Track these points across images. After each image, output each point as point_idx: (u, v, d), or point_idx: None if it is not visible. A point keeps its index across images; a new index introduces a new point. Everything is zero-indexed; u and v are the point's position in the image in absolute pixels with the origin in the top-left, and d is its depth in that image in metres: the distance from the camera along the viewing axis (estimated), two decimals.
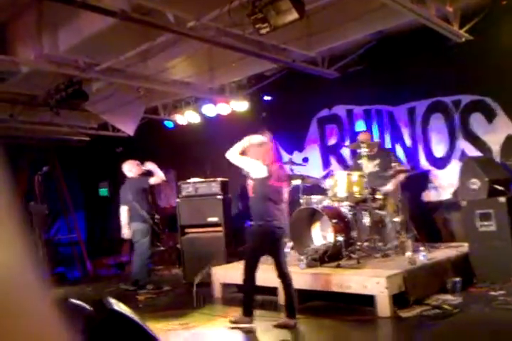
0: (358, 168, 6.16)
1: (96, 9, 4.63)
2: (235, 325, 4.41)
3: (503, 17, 5.73)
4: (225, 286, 5.83)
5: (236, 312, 5.01)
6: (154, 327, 4.37)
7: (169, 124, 9.37)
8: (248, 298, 4.51)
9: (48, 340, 0.36)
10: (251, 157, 4.48)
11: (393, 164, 5.92)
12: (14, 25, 5.68)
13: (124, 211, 6.71)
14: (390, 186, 5.99)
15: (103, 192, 10.73)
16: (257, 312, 4.82)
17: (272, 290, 5.19)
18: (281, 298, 5.08)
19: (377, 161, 6.28)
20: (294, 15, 4.74)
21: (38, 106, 7.92)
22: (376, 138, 7.10)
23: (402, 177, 6.11)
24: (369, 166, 6.18)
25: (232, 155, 4.53)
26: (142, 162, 6.99)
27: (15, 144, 8.86)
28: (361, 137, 6.38)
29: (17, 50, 5.75)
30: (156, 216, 6.86)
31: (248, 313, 4.43)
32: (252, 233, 4.57)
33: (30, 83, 6.88)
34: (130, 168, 6.91)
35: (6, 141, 8.63)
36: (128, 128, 8.22)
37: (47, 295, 0.37)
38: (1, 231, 0.35)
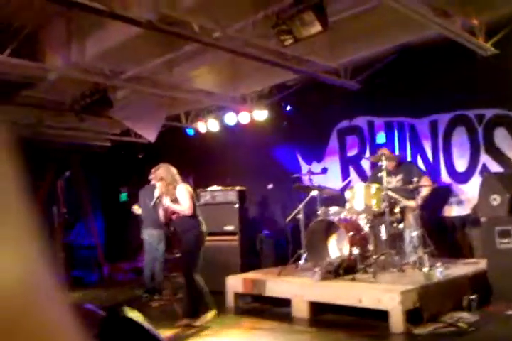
0: (377, 180, 6.10)
1: (123, 19, 4.74)
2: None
3: None
4: (239, 296, 5.83)
5: (249, 322, 5.03)
6: (167, 335, 4.40)
7: (190, 132, 9.47)
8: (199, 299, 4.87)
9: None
10: (168, 190, 4.95)
11: (415, 179, 5.80)
12: (44, 32, 5.85)
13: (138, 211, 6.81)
14: (412, 202, 5.86)
15: (123, 197, 10.87)
16: (271, 324, 4.83)
17: (284, 302, 5.17)
18: (294, 309, 5.07)
19: (400, 176, 6.21)
20: (317, 27, 4.78)
21: (64, 112, 8.10)
22: (397, 152, 7.04)
23: (426, 191, 6.01)
24: (392, 181, 6.11)
25: (187, 208, 4.88)
26: None
27: (41, 148, 9.06)
28: (379, 153, 6.22)
29: (46, 57, 5.92)
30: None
31: (197, 314, 4.82)
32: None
33: (58, 89, 7.05)
34: None
35: (33, 145, 8.84)
36: (149, 134, 8.33)
37: (62, 298, 0.38)
38: (14, 231, 0.36)
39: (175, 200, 4.93)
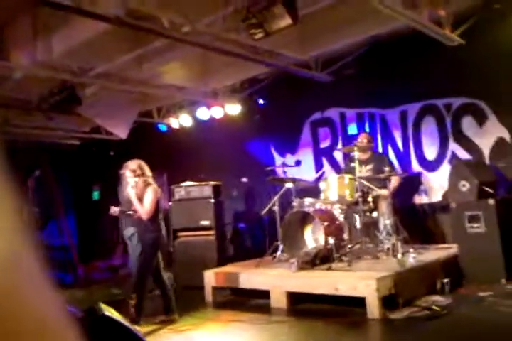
0: (350, 171, 6.22)
1: (90, 15, 4.66)
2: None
3: (494, 21, 5.79)
4: (217, 290, 5.85)
5: (228, 315, 5.07)
6: (145, 331, 4.39)
7: (162, 127, 9.40)
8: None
9: (52, 331, 0.36)
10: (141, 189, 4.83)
11: (386, 168, 5.99)
12: (8, 30, 5.70)
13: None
14: (384, 191, 6.01)
15: (96, 195, 10.73)
16: (249, 316, 4.87)
17: (264, 294, 5.22)
18: (273, 300, 5.13)
19: (370, 166, 6.35)
20: (287, 20, 4.81)
21: (31, 111, 7.93)
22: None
23: (396, 182, 6.19)
24: (362, 170, 6.25)
25: (145, 212, 4.80)
26: None
27: (8, 148, 8.85)
28: (361, 138, 6.47)
29: (11, 55, 5.77)
30: None
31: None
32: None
33: (24, 87, 6.89)
34: None
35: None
36: (121, 131, 8.24)
37: (46, 281, 0.38)
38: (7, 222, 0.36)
39: (141, 199, 4.81)
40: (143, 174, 4.88)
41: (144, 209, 4.76)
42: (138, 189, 4.82)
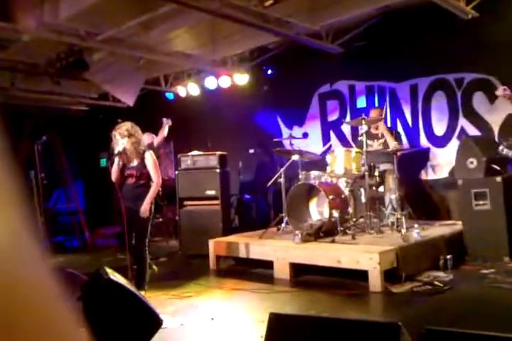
0: (360, 145, 6.19)
1: None
2: None
3: None
4: (221, 259, 5.93)
5: (231, 283, 5.14)
6: (149, 296, 4.47)
7: (170, 96, 9.32)
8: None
9: (44, 304, 0.36)
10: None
11: (393, 143, 5.99)
12: None
13: None
14: (389, 166, 6.03)
15: (103, 162, 10.77)
16: (253, 285, 4.95)
17: (267, 264, 5.29)
18: (276, 271, 5.19)
19: (382, 140, 6.33)
20: None
21: (38, 75, 7.86)
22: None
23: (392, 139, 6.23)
24: (374, 145, 6.24)
25: (159, 184, 4.62)
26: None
27: (15, 113, 8.84)
28: (373, 114, 6.41)
29: (17, 17, 5.67)
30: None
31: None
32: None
33: (31, 51, 6.81)
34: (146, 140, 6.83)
35: (6, 109, 8.61)
36: (128, 98, 8.17)
37: (45, 261, 0.37)
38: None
39: (139, 166, 4.57)
40: (129, 136, 4.52)
41: (157, 182, 4.57)
42: (133, 155, 4.57)
